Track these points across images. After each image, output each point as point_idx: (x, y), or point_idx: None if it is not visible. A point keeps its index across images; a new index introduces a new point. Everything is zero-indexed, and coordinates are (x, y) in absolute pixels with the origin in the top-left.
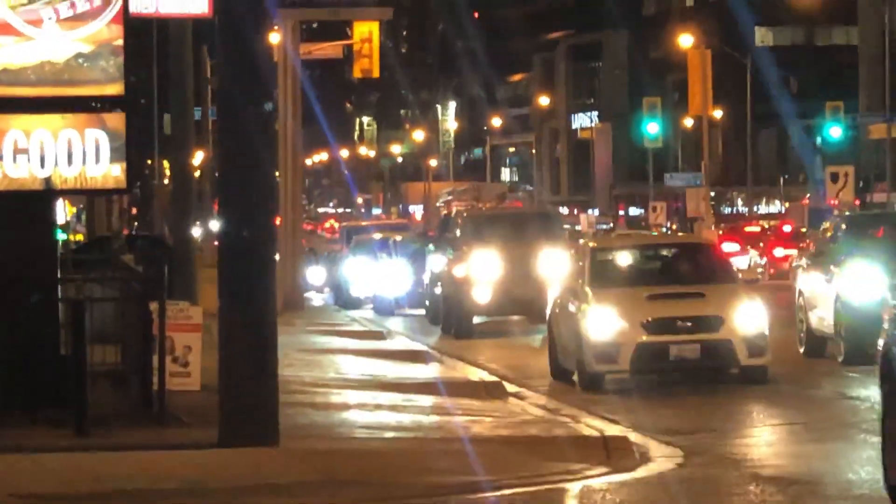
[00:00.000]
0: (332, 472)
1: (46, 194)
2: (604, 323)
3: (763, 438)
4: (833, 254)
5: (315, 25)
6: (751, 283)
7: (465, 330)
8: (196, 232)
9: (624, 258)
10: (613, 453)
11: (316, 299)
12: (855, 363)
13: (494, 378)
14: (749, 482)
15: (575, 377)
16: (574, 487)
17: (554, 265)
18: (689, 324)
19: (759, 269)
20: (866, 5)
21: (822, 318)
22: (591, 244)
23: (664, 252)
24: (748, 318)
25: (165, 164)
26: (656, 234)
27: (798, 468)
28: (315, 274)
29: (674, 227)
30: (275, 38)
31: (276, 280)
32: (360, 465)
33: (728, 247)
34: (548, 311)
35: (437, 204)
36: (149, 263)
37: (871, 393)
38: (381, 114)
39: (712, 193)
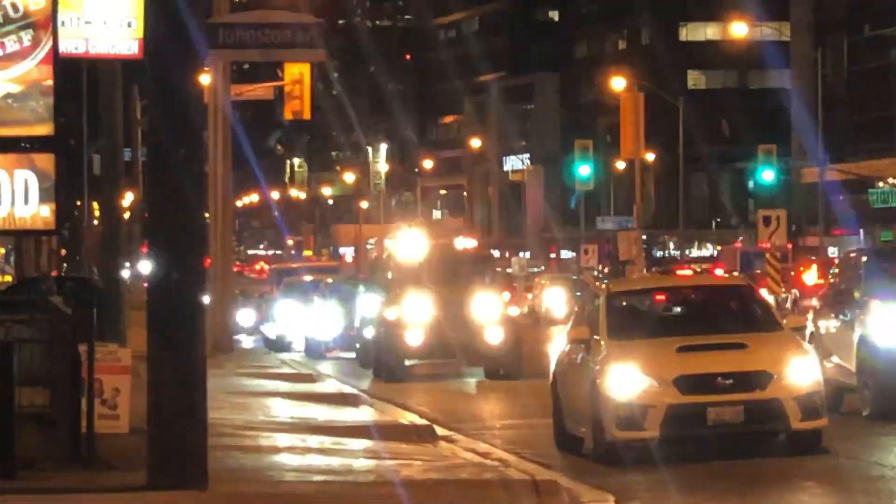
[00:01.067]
0: None
1: None
2: (627, 381)
3: None
4: (854, 292)
5: (246, 67)
6: None
7: (396, 373)
8: (125, 273)
9: (647, 303)
10: (543, 497)
11: (246, 342)
12: (887, 417)
13: (425, 422)
14: None
15: (588, 446)
16: None
17: (487, 308)
18: (731, 381)
19: None
20: (799, 49)
21: (841, 365)
22: (608, 286)
23: (695, 295)
24: (800, 371)
25: (95, 205)
26: (686, 273)
27: None
28: (245, 316)
29: (605, 269)
30: (205, 79)
31: (205, 322)
32: None
33: None
34: (551, 368)
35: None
36: (78, 305)
37: None
38: (312, 155)
39: (644, 236)
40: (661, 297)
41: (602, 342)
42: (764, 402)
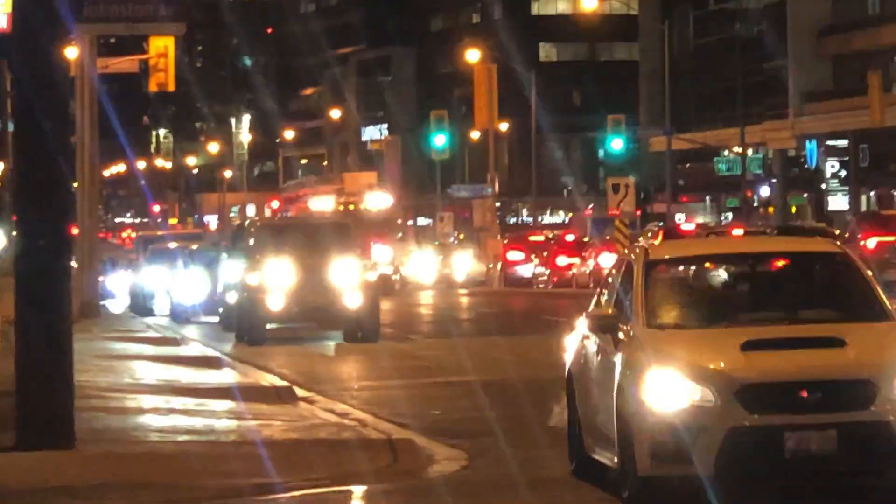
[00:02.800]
0: (127, 474)
1: None
2: (668, 390)
3: None
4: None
5: (112, 40)
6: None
7: (257, 337)
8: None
9: (702, 279)
10: (399, 455)
11: (113, 307)
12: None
13: (285, 383)
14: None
15: (617, 478)
16: (360, 489)
17: (347, 273)
18: (819, 393)
19: (543, 278)
20: (647, 23)
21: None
22: (645, 250)
23: (769, 267)
24: None
25: None
26: (742, 233)
27: None
28: (112, 282)
29: (461, 236)
30: (72, 52)
31: (71, 288)
32: (154, 467)
33: (513, 255)
34: (566, 362)
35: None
36: None
37: None
38: (177, 126)
39: (498, 204)
40: (722, 268)
41: (635, 331)
42: (867, 425)
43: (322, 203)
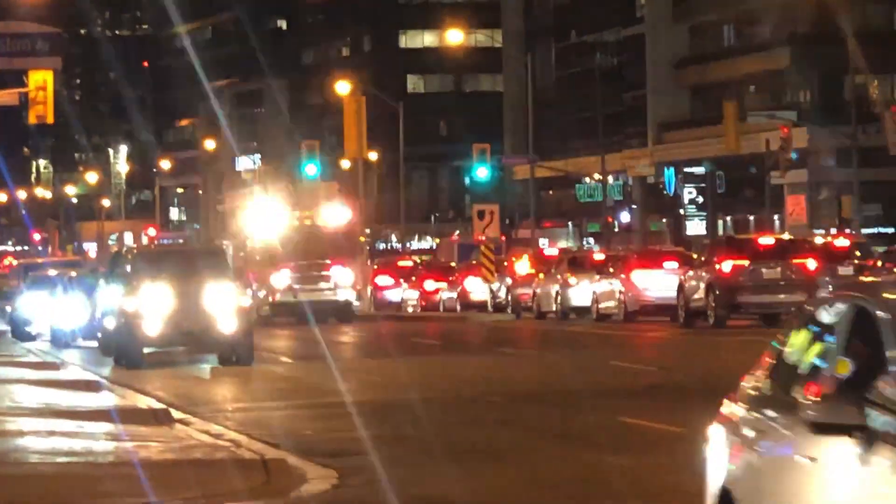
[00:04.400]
0: (7, 495)
1: None
2: None
3: None
4: None
5: None
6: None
7: (134, 360)
8: None
9: None
10: (272, 475)
11: None
12: None
13: (162, 405)
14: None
15: None
16: None
17: (221, 298)
18: None
19: (412, 302)
20: (510, 54)
21: None
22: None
23: None
24: None
25: None
26: None
27: None
28: None
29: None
30: None
31: None
32: (33, 489)
33: (382, 280)
34: (707, 470)
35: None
36: None
37: None
38: (57, 157)
39: (367, 230)
40: None
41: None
42: None
43: (273, 219)
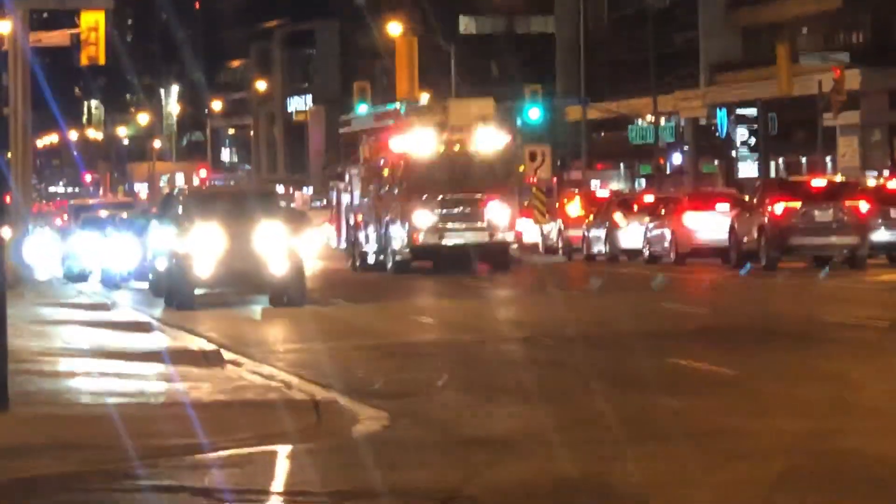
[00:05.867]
0: (59, 436)
1: None
2: None
3: None
4: None
5: (45, 15)
6: None
7: (186, 302)
8: None
9: None
10: (324, 415)
11: (46, 273)
12: None
13: (213, 347)
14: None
15: None
16: (286, 448)
17: (272, 240)
18: None
19: None
20: None
21: None
22: None
23: None
24: None
25: None
26: None
27: None
28: (46, 249)
29: None
30: (5, 26)
31: (4, 255)
32: (86, 429)
33: None
34: None
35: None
36: None
37: None
38: (108, 98)
39: None
40: None
41: None
42: None
43: (413, 142)
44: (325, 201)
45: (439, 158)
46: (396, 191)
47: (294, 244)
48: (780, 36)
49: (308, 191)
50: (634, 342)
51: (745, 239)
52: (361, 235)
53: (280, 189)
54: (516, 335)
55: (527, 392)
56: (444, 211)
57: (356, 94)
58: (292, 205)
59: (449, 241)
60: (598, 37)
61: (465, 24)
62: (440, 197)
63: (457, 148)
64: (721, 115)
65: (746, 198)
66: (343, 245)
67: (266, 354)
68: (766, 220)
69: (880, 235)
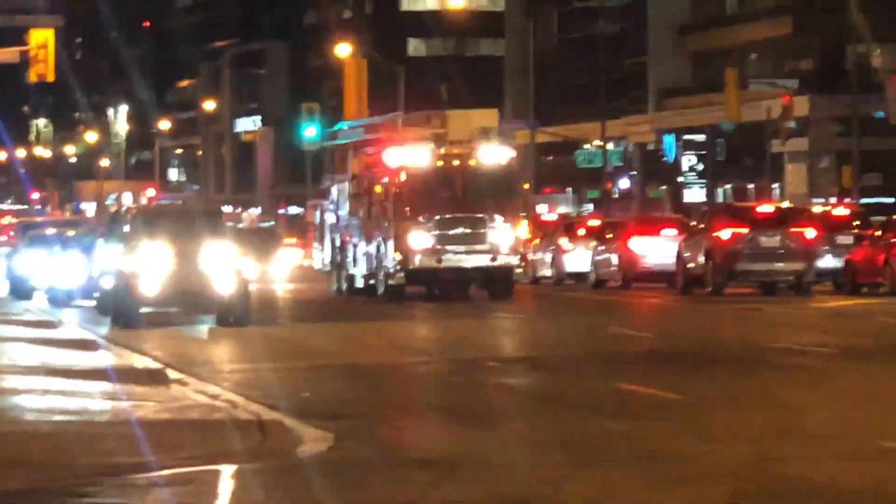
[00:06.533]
0: (3, 453)
1: None
2: None
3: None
4: None
5: None
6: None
7: (132, 320)
8: None
9: None
10: (268, 436)
11: None
12: None
13: (158, 365)
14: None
15: None
16: (231, 468)
17: (219, 259)
18: None
19: None
20: (513, 19)
21: None
22: None
23: None
24: None
25: None
26: None
27: None
28: None
29: None
30: None
31: None
32: (30, 447)
33: None
34: None
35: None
36: None
37: None
38: (56, 116)
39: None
40: None
41: None
42: None
43: (410, 156)
44: (273, 221)
45: (437, 174)
46: (390, 209)
47: (240, 264)
48: (730, 61)
49: (256, 211)
50: (581, 365)
51: (692, 264)
52: (348, 257)
53: (228, 209)
54: (463, 357)
55: (472, 414)
56: (443, 231)
57: (304, 115)
58: (240, 225)
59: (448, 263)
60: (548, 60)
61: (415, 47)
62: (438, 216)
63: (456, 163)
64: (669, 140)
65: (693, 223)
66: (326, 267)
67: (212, 374)
68: (712, 245)
69: (826, 262)
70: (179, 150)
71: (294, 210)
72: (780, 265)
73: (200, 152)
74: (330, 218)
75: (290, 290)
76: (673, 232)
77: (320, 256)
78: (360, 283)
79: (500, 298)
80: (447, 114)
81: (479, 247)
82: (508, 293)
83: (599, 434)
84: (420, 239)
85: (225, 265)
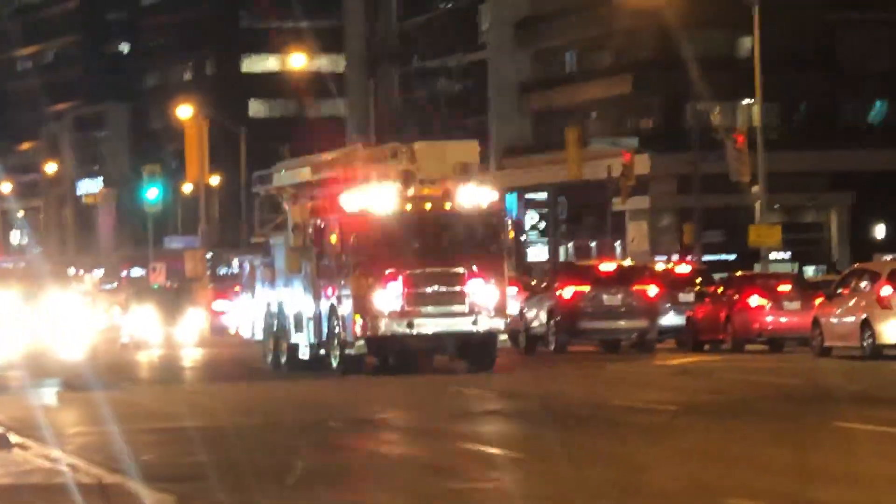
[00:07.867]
0: None
1: None
2: None
3: None
4: None
5: None
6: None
7: None
8: None
9: None
10: (111, 499)
11: None
12: None
13: (0, 429)
14: None
15: None
16: None
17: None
18: None
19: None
20: (354, 79)
21: None
22: None
23: None
24: None
25: None
26: None
27: None
28: None
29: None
30: None
31: None
32: None
33: (219, 305)
34: None
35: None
36: None
37: None
38: None
39: (209, 255)
40: None
41: None
42: None
43: (370, 199)
44: (115, 284)
45: (406, 220)
46: (347, 263)
47: (85, 327)
48: (571, 120)
49: (99, 273)
50: (424, 425)
51: (536, 323)
52: (289, 322)
53: (71, 271)
54: (307, 419)
55: (313, 477)
56: (413, 290)
57: (146, 177)
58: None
59: (419, 329)
60: (390, 119)
61: (256, 108)
62: (408, 271)
63: (428, 206)
64: (510, 198)
65: (535, 282)
66: (258, 335)
67: (55, 438)
68: (555, 303)
69: (669, 319)
70: (21, 213)
71: (137, 272)
72: (622, 323)
73: (42, 215)
74: (264, 276)
75: (200, 357)
76: (514, 291)
77: (250, 322)
78: (304, 355)
79: (483, 367)
80: (417, 147)
81: (456, 308)
82: (491, 364)
83: (442, 495)
84: (386, 299)
85: (70, 328)
